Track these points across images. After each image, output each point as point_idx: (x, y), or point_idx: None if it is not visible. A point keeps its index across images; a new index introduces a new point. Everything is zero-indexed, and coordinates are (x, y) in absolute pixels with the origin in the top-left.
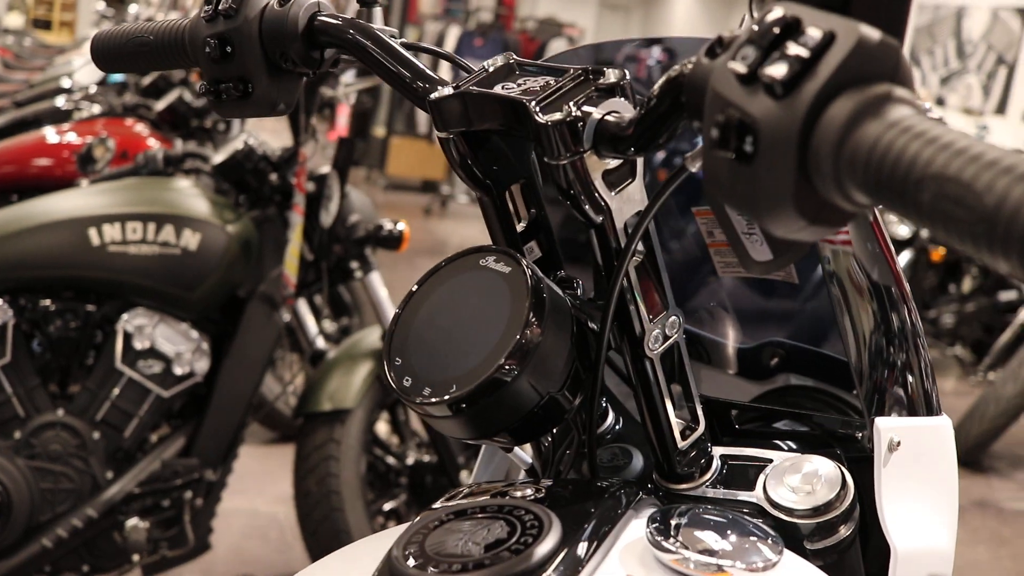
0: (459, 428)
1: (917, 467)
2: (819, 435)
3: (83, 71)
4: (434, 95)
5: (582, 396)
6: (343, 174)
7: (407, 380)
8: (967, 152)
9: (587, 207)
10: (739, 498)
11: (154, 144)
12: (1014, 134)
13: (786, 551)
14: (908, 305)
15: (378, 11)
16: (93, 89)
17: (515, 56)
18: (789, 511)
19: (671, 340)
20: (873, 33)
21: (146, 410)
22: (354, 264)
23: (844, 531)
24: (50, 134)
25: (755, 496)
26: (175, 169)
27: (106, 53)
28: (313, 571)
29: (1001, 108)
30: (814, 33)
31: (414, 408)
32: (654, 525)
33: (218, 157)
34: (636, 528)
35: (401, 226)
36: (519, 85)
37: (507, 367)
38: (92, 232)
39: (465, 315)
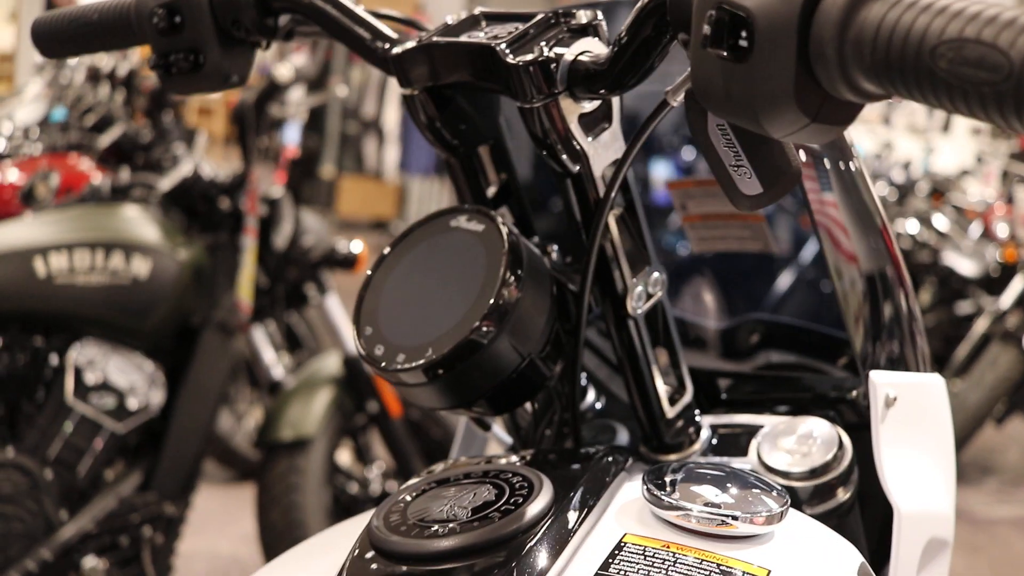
0: (436, 396)
1: (914, 424)
2: (812, 398)
3: (23, 111)
4: (396, 49)
5: (563, 363)
6: (296, 195)
7: (379, 348)
8: (981, 15)
9: (563, 155)
10: (732, 465)
11: (99, 177)
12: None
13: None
14: (896, 260)
15: None
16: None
17: (481, 8)
18: (785, 474)
19: (654, 299)
20: None
21: (100, 446)
22: (310, 287)
23: (843, 494)
24: None
25: (749, 462)
26: (122, 198)
27: (49, 36)
28: (282, 562)
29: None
30: None
31: (387, 377)
32: (651, 482)
33: (166, 184)
34: (631, 489)
35: (356, 247)
36: (486, 34)
37: (484, 328)
38: (38, 262)
39: (438, 277)
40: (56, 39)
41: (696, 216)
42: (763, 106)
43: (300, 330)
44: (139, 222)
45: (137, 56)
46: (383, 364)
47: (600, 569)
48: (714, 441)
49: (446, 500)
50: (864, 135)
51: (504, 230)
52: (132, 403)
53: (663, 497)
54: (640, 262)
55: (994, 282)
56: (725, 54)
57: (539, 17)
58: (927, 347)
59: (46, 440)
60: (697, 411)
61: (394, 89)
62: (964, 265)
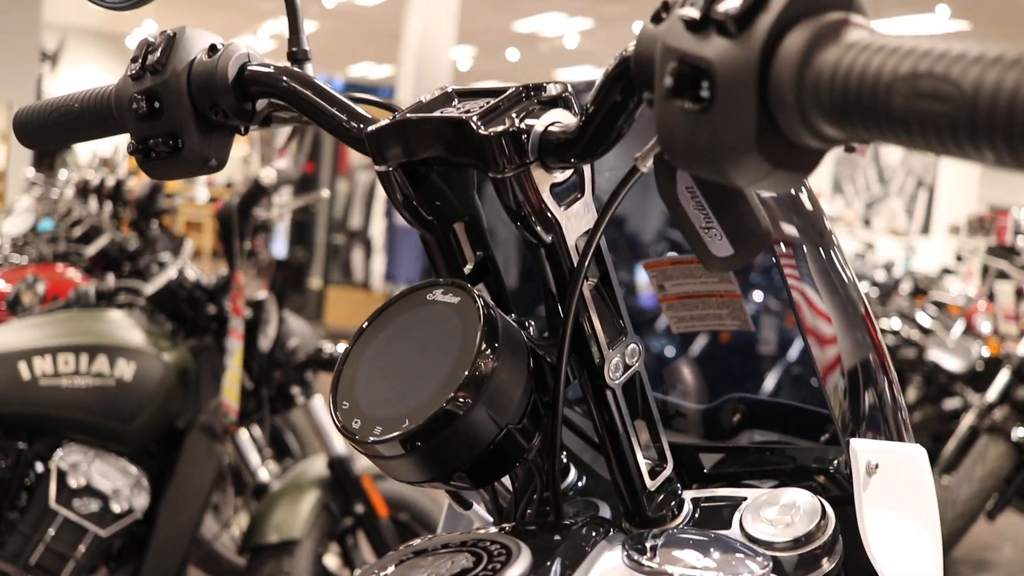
0: (414, 469)
1: (897, 493)
2: (794, 470)
3: (10, 222)
4: (371, 127)
5: (541, 436)
6: (280, 298)
7: (356, 422)
8: (932, 52)
9: (536, 225)
10: (723, 536)
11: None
12: (940, 251)
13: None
14: (872, 329)
15: (309, 66)
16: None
17: (453, 86)
18: (769, 544)
19: (632, 369)
20: None
21: (84, 551)
22: (295, 389)
23: (828, 565)
24: None
25: (732, 534)
26: (108, 303)
27: (30, 127)
28: None
29: (925, 228)
30: None
31: (364, 450)
32: (632, 548)
33: (150, 288)
34: (611, 557)
35: (341, 348)
36: (458, 109)
37: (461, 398)
38: (22, 366)
39: (415, 350)
40: (38, 130)
41: (674, 296)
42: (727, 155)
43: (287, 436)
44: (123, 326)
45: (124, 168)
46: (359, 437)
47: None
48: (696, 515)
49: (424, 569)
50: (846, 236)
51: (479, 302)
52: (116, 507)
53: (644, 562)
54: (616, 332)
55: (980, 377)
56: (688, 105)
57: (510, 91)
58: (908, 420)
59: (29, 546)
60: (678, 485)
61: (380, 200)
62: (949, 361)
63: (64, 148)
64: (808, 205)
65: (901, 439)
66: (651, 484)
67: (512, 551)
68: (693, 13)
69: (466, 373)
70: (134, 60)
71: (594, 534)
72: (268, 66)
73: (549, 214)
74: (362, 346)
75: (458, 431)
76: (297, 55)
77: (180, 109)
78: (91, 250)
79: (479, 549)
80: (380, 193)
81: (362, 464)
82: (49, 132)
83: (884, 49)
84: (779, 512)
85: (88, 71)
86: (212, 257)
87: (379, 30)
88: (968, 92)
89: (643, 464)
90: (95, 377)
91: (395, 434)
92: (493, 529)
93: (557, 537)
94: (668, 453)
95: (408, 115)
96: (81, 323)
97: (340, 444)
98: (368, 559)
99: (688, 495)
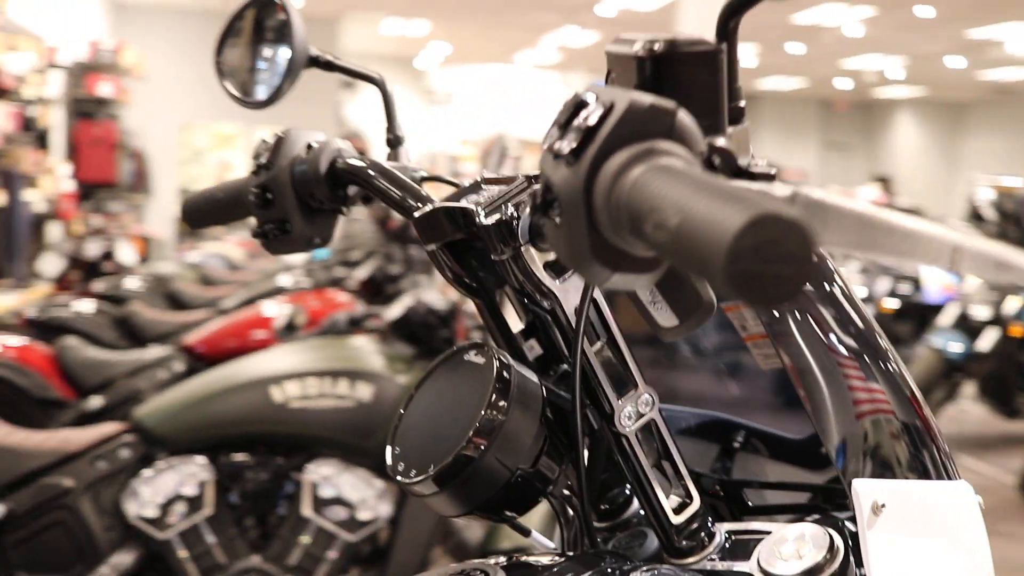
0: (446, 504)
1: (914, 531)
2: (819, 505)
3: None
4: (416, 214)
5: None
6: None
7: (401, 465)
8: (669, 192)
9: (536, 297)
10: (735, 569)
11: (356, 307)
12: None
13: None
14: (887, 359)
15: (402, 148)
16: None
17: (486, 175)
18: None
19: (645, 417)
20: (645, 99)
21: (335, 555)
22: None
23: None
24: (264, 307)
25: (749, 566)
26: (357, 329)
27: (191, 212)
28: None
29: None
30: (597, 106)
31: (407, 489)
32: None
33: (391, 314)
34: None
35: None
36: (480, 196)
37: (473, 444)
38: (275, 390)
39: (448, 404)
40: (197, 214)
41: (756, 335)
42: (576, 262)
43: None
44: (365, 352)
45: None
46: (401, 479)
47: None
48: (727, 545)
49: None
50: None
51: (496, 362)
52: (363, 515)
53: None
54: (625, 385)
55: None
56: (553, 221)
57: (518, 180)
58: (941, 451)
59: (288, 550)
60: (709, 518)
61: None
62: None
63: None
64: None
65: (925, 474)
66: (676, 519)
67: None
68: (548, 148)
69: (476, 425)
70: (254, 157)
71: (599, 565)
72: (356, 160)
73: (545, 288)
74: (414, 400)
75: (473, 474)
76: (392, 140)
77: (286, 199)
78: (360, 274)
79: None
80: None
81: None
82: (204, 215)
83: (665, 173)
84: (792, 545)
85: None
86: None
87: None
88: (672, 228)
89: (665, 501)
90: (338, 399)
91: (424, 476)
92: (502, 559)
93: (558, 567)
94: (693, 490)
95: (439, 204)
96: (327, 350)
97: None
98: None
99: (724, 527)
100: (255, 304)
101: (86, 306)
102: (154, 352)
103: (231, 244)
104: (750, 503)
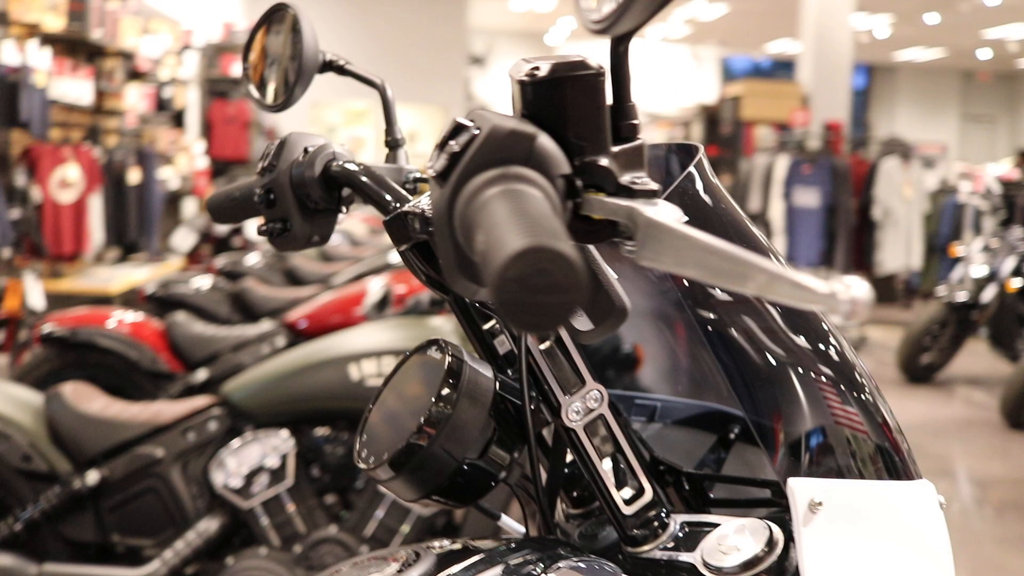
0: (402, 489)
1: (858, 530)
2: (779, 502)
3: None
4: (385, 218)
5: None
6: None
7: (364, 452)
8: (506, 209)
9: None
10: (680, 559)
11: None
12: None
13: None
14: (839, 353)
15: (402, 152)
16: None
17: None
18: (718, 570)
19: (594, 413)
20: (507, 125)
21: (408, 528)
22: None
23: None
24: (365, 285)
25: (693, 557)
26: (439, 308)
27: (213, 209)
28: None
29: None
30: (468, 132)
31: (369, 475)
32: (512, 570)
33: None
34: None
35: None
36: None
37: (423, 434)
38: (352, 368)
39: (408, 397)
40: (218, 211)
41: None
42: (448, 277)
43: None
44: (441, 332)
45: None
46: (363, 465)
47: None
48: (681, 535)
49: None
50: None
51: (447, 359)
52: None
53: None
54: (572, 383)
55: None
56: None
57: None
58: (900, 450)
59: (364, 521)
60: (663, 510)
61: (778, 182)
62: None
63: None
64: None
65: (878, 474)
66: (627, 510)
67: (420, 557)
68: (432, 166)
69: (424, 416)
70: (260, 160)
71: (520, 551)
72: (348, 164)
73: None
74: (382, 394)
75: (422, 462)
76: (391, 143)
77: (286, 200)
78: None
79: (401, 556)
80: (778, 175)
81: None
82: (225, 213)
83: (504, 199)
84: (732, 539)
85: None
86: None
87: (786, 6)
88: (480, 250)
89: (615, 493)
90: None
91: (380, 463)
92: (447, 542)
93: (483, 547)
94: (645, 483)
95: (404, 208)
96: (406, 329)
97: None
98: None
99: (680, 518)
100: (360, 281)
101: (203, 282)
102: (258, 328)
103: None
104: (712, 496)
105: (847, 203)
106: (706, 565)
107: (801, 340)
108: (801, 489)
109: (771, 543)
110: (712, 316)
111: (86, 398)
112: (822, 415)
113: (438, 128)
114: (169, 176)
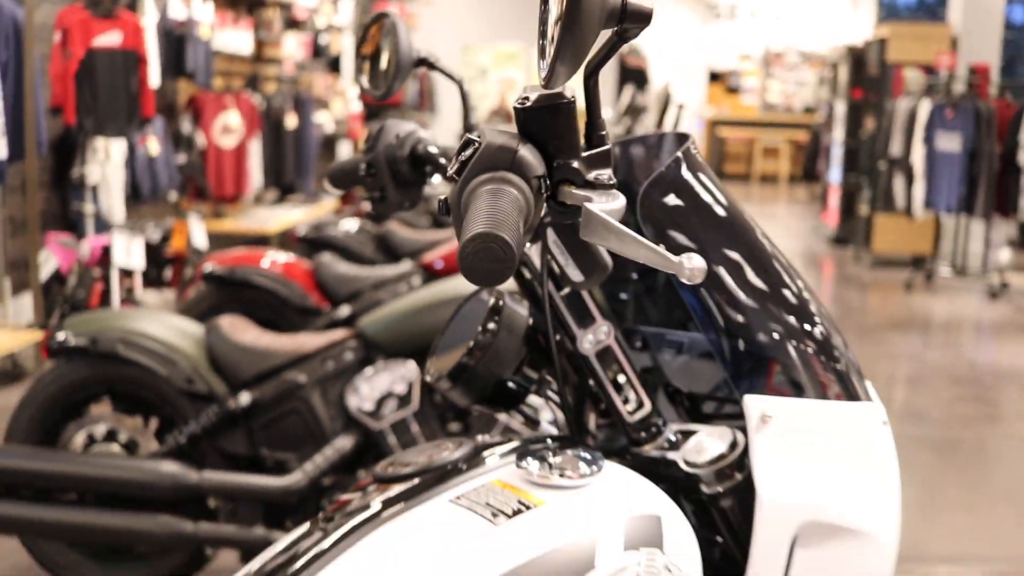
0: (458, 396)
1: (803, 442)
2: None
3: None
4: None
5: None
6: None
7: (431, 368)
8: (486, 202)
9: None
10: (669, 457)
11: None
12: None
13: (607, 463)
14: (797, 295)
15: None
16: None
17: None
18: (694, 464)
19: (604, 343)
20: (496, 141)
21: None
22: None
23: (739, 476)
24: None
25: (678, 456)
26: None
27: (332, 177)
28: None
29: None
30: (474, 146)
31: (433, 386)
32: (519, 453)
33: None
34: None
35: None
36: None
37: (470, 356)
38: None
39: (463, 327)
40: (336, 179)
41: None
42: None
43: None
44: None
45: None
46: (430, 378)
47: (457, 488)
48: (674, 440)
49: (420, 454)
50: None
51: (492, 299)
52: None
53: (520, 463)
54: (587, 319)
55: None
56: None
57: None
58: (848, 375)
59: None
60: (660, 420)
61: (920, 126)
62: None
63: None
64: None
65: (831, 398)
66: (631, 419)
67: (464, 443)
68: (450, 170)
69: (472, 343)
70: (365, 140)
71: (544, 441)
72: (431, 146)
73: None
74: (449, 323)
75: (469, 378)
76: (467, 128)
77: (383, 174)
78: None
79: (452, 443)
80: (920, 119)
81: None
82: (341, 181)
83: (490, 194)
84: (707, 441)
85: (668, 13)
86: (788, 183)
87: None
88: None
89: (620, 406)
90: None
91: (441, 376)
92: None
93: (506, 441)
94: (645, 399)
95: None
96: None
97: None
98: None
99: (674, 427)
100: None
101: (351, 224)
102: (397, 268)
103: None
104: (704, 411)
105: (990, 148)
106: (685, 461)
107: (762, 284)
108: (753, 404)
109: (734, 445)
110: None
111: (240, 330)
112: (779, 345)
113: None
114: (325, 120)
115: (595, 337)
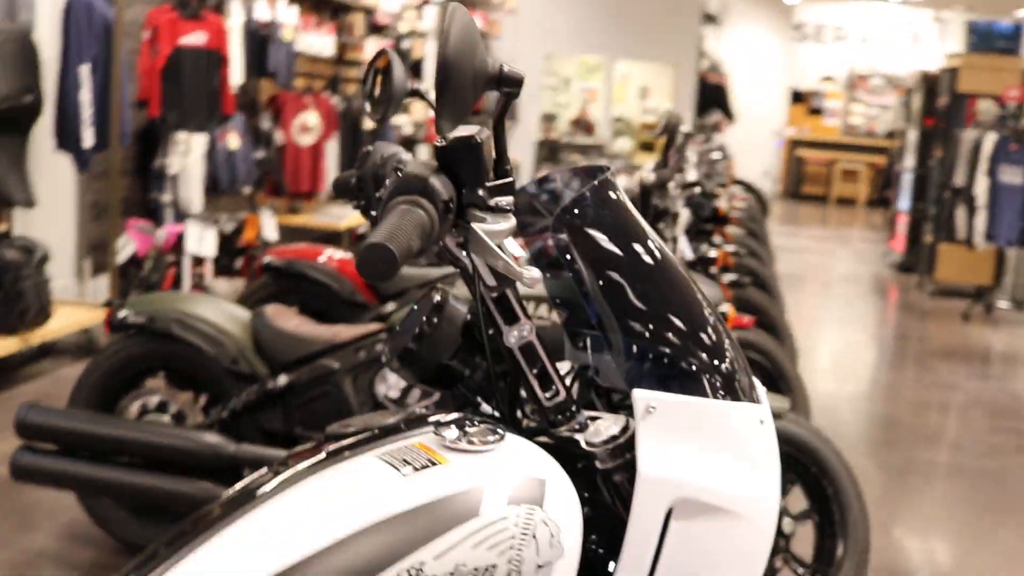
0: (406, 376)
1: (685, 435)
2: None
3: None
4: None
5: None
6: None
7: (388, 351)
8: (396, 217)
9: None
10: (575, 438)
11: None
12: None
13: (510, 435)
14: (684, 294)
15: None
16: None
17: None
18: (592, 443)
19: (525, 339)
20: (413, 170)
21: None
22: None
23: (629, 455)
24: None
25: (581, 437)
26: None
27: (335, 186)
28: None
29: None
30: (399, 176)
31: (387, 367)
32: (441, 424)
33: None
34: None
35: None
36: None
37: (411, 343)
38: None
39: (415, 320)
40: (336, 187)
41: None
42: None
43: None
44: None
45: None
46: (385, 359)
47: (385, 447)
48: (583, 423)
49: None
50: None
51: (436, 297)
52: None
53: (439, 431)
54: (512, 318)
55: None
56: None
57: None
58: (740, 377)
59: None
60: (573, 406)
61: (984, 159)
62: None
63: None
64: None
65: (719, 395)
66: (547, 404)
67: (406, 412)
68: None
69: (416, 331)
70: (358, 158)
71: (468, 420)
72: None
73: (451, 255)
74: (406, 316)
75: (414, 360)
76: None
77: (368, 188)
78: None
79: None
80: (985, 151)
81: None
82: (339, 190)
83: (399, 211)
84: (604, 426)
85: (751, 31)
86: (866, 207)
87: None
88: None
89: (540, 393)
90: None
91: (392, 359)
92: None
93: (437, 418)
94: (561, 388)
95: None
96: None
97: None
98: None
99: (587, 413)
100: None
101: None
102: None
103: None
104: (614, 400)
105: None
106: (587, 442)
107: (656, 293)
108: (639, 397)
109: (625, 430)
110: (595, 270)
111: (283, 317)
112: (670, 346)
113: (668, 85)
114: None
115: (519, 333)
